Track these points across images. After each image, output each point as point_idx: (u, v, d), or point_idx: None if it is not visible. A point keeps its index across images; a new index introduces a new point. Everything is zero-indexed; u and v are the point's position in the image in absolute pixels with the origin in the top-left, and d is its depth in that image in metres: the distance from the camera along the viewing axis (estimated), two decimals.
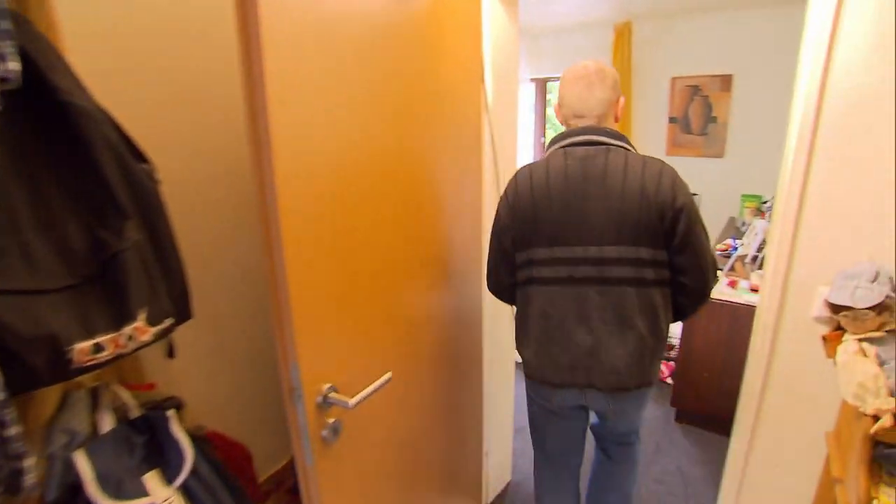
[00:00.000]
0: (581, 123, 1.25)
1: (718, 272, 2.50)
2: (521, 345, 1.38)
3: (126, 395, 0.92)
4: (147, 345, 0.79)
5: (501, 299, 1.46)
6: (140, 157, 0.84)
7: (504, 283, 1.39)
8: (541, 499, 1.61)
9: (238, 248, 1.21)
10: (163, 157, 0.91)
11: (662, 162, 1.19)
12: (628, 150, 1.22)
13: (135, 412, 0.92)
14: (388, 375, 1.15)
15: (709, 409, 2.49)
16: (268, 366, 1.41)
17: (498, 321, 1.87)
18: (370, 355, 1.15)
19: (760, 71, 4.03)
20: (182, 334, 0.95)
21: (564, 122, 1.31)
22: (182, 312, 0.93)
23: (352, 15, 0.97)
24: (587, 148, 1.21)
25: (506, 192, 1.31)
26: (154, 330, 0.79)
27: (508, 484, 2.24)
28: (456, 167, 1.41)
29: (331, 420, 1.04)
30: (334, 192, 0.98)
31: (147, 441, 0.88)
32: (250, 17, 0.78)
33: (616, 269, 1.18)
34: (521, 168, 1.32)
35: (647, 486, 2.18)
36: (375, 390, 1.11)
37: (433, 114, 1.27)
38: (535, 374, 1.34)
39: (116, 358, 0.72)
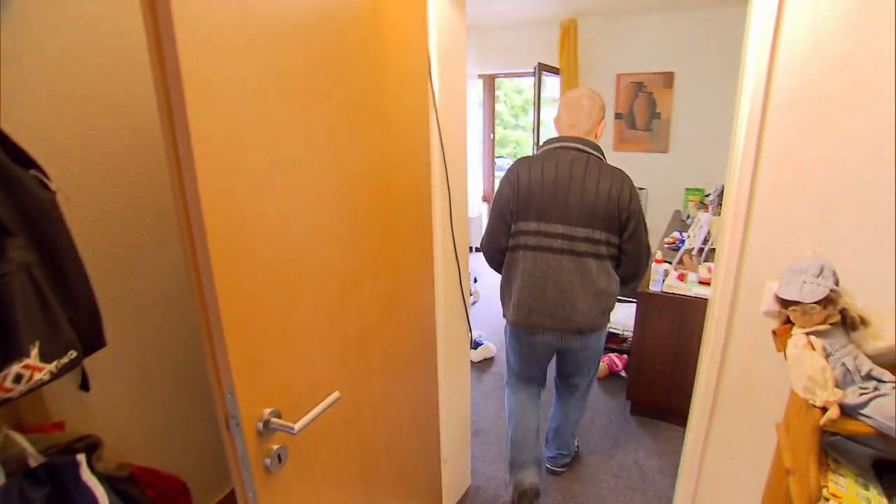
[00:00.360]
0: (572, 133, 1.71)
1: (668, 265, 2.57)
2: (506, 300, 1.84)
3: (23, 441, 0.79)
4: (45, 383, 0.67)
5: (491, 261, 1.89)
6: (26, 161, 0.72)
7: (501, 247, 1.79)
8: (513, 415, 2.06)
9: (160, 260, 1.09)
10: (63, 161, 0.79)
11: (623, 173, 1.66)
12: (601, 160, 1.67)
13: (35, 460, 0.79)
14: (335, 395, 1.07)
15: (662, 400, 2.55)
16: (204, 387, 1.30)
17: (452, 321, 1.82)
18: (315, 373, 1.07)
19: (700, 68, 4.19)
20: (99, 362, 0.84)
21: (559, 130, 1.77)
22: (91, 341, 0.81)
23: (286, 7, 0.88)
24: (574, 153, 1.65)
25: (508, 175, 1.75)
26: (52, 367, 0.67)
27: (468, 489, 2.21)
28: (403, 166, 1.35)
29: (274, 447, 0.96)
30: (267, 198, 0.89)
31: (50, 494, 0.76)
32: (160, 7, 0.69)
33: (583, 245, 1.64)
34: (521, 159, 1.76)
35: (606, 481, 2.20)
36: (323, 411, 1.03)
37: (378, 112, 1.21)
38: (520, 322, 1.78)
39: (2, 403, 0.60)
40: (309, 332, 1.05)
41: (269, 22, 0.86)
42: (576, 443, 2.35)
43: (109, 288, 0.99)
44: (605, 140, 4.71)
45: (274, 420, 0.94)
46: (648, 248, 1.76)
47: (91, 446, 0.90)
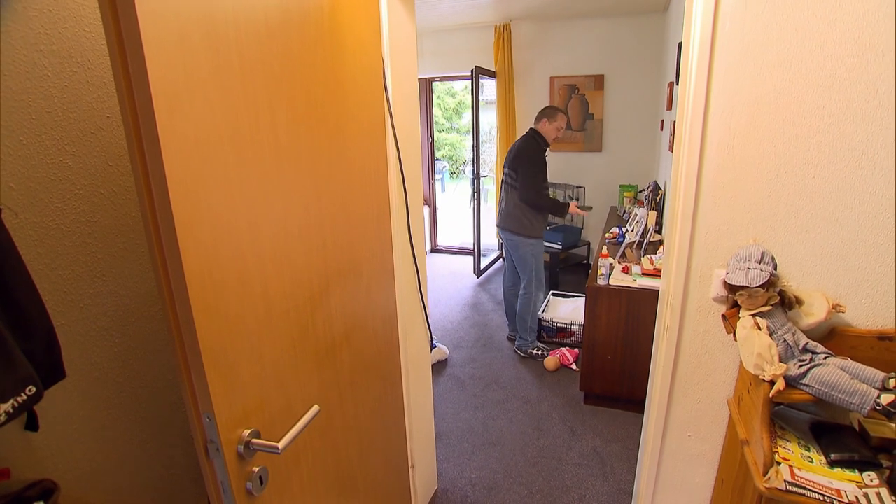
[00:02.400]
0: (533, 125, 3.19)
1: (612, 260, 2.72)
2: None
3: None
4: (1, 426, 0.61)
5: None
6: None
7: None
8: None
9: (117, 280, 1.01)
10: (3, 175, 0.72)
11: (525, 142, 3.13)
12: (530, 136, 3.14)
13: None
14: (315, 409, 1.05)
15: (615, 389, 2.69)
16: (174, 410, 1.21)
17: (412, 326, 1.83)
18: (291, 388, 1.04)
19: (627, 71, 4.48)
20: (47, 397, 0.76)
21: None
22: (50, 373, 0.74)
23: (250, 8, 0.86)
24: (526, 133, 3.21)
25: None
26: (8, 406, 0.61)
27: (436, 493, 2.22)
28: (363, 171, 1.34)
29: (255, 469, 0.93)
30: (237, 206, 0.86)
31: None
32: (124, 14, 0.65)
33: (507, 178, 3.21)
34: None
35: (569, 471, 2.29)
36: (304, 427, 1.01)
37: (339, 116, 1.20)
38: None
39: None
40: (282, 346, 1.02)
41: (234, 24, 0.83)
42: (529, 348, 3.37)
43: (59, 313, 0.90)
44: None
45: (255, 441, 0.90)
46: (534, 187, 3.03)
47: (46, 492, 0.82)
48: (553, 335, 3.52)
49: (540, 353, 3.33)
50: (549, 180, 3.17)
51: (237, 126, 0.85)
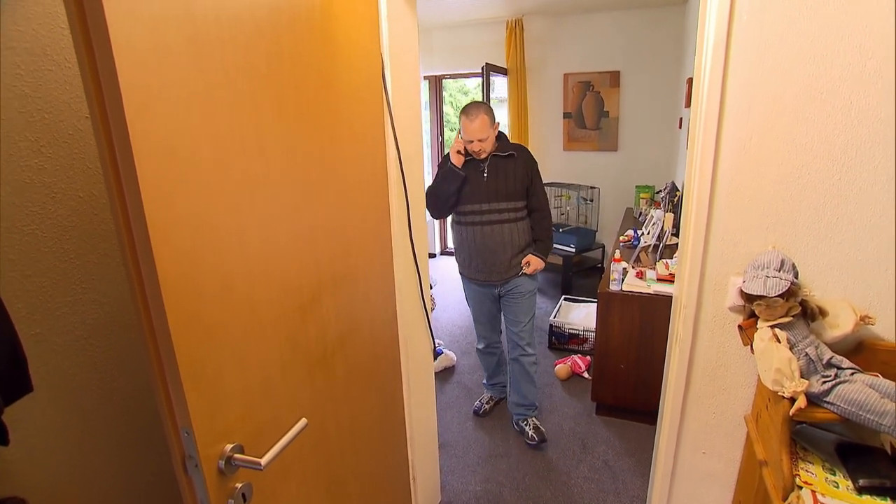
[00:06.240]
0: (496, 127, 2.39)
1: (626, 264, 2.67)
2: None
3: None
4: None
5: None
6: None
7: None
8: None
9: (93, 288, 0.99)
10: None
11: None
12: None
13: None
14: (303, 422, 1.03)
15: (628, 399, 2.63)
16: (156, 421, 1.20)
17: (414, 332, 1.80)
18: (279, 400, 1.02)
19: (644, 67, 4.40)
20: (20, 411, 0.75)
21: None
22: (15, 387, 0.73)
23: (227, 6, 0.84)
24: None
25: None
26: None
27: None
28: (359, 173, 1.32)
29: (238, 486, 0.90)
30: (219, 210, 0.84)
31: None
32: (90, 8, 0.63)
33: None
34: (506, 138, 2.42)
35: (578, 486, 2.24)
36: (290, 442, 0.98)
37: (333, 116, 1.18)
38: None
39: None
40: (270, 355, 1.00)
41: (216, 21, 0.81)
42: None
43: (30, 324, 0.89)
44: (555, 139, 4.86)
45: (237, 456, 0.88)
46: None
47: None
48: (565, 342, 3.47)
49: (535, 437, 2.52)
50: (562, 180, 2.98)
51: (218, 128, 0.83)
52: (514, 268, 2.38)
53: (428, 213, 2.28)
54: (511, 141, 2.44)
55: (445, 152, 2.43)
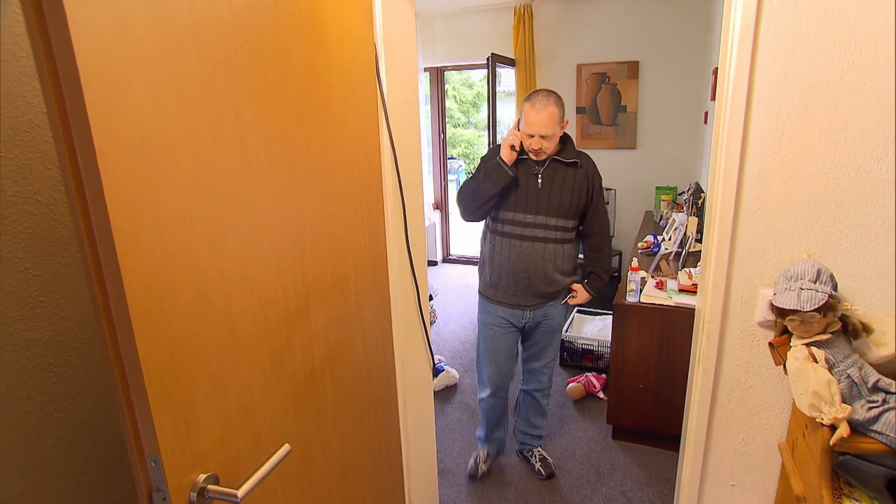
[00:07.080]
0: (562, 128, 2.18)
1: (644, 273, 2.65)
2: None
3: None
4: None
5: None
6: None
7: None
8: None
9: (54, 300, 0.98)
10: None
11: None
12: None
13: None
14: (285, 448, 1.01)
15: (647, 423, 2.60)
16: (116, 452, 1.18)
17: (411, 348, 1.78)
18: (259, 424, 1.01)
19: (666, 57, 4.39)
20: None
21: None
22: None
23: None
24: None
25: None
26: None
27: None
28: (350, 175, 1.31)
29: None
30: (194, 217, 0.83)
31: None
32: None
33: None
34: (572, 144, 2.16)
35: None
36: (271, 470, 0.97)
37: (321, 112, 1.17)
38: None
39: None
40: (250, 374, 0.98)
41: (189, 9, 0.80)
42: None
43: None
44: None
45: (211, 487, 0.87)
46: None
47: None
48: (578, 358, 3.44)
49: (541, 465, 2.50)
50: None
51: (192, 124, 0.82)
52: (549, 296, 2.16)
53: (460, 212, 2.16)
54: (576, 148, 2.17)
55: (497, 143, 2.21)
